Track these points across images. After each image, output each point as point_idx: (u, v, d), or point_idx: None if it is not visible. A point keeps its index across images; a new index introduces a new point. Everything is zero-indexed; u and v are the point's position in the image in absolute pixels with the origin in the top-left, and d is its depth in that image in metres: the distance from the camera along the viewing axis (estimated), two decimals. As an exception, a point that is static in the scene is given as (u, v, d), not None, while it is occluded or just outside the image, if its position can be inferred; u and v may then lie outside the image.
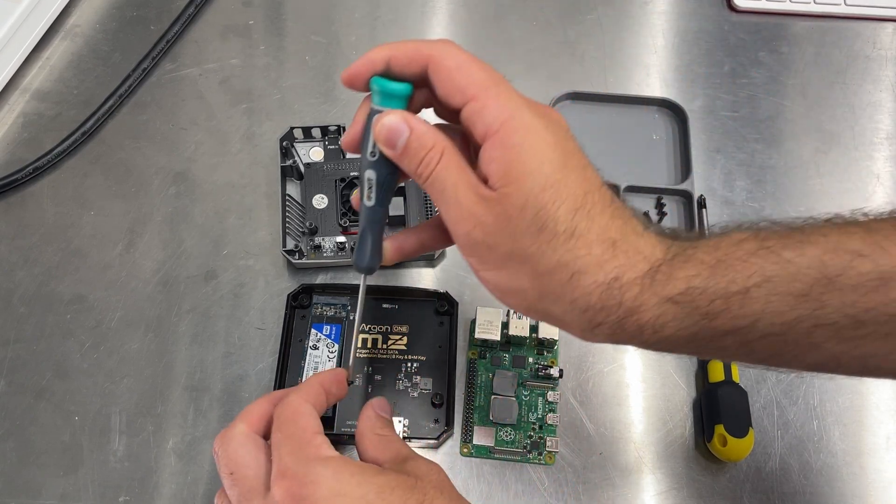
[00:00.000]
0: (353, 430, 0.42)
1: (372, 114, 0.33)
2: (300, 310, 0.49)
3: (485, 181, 0.30)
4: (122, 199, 0.54)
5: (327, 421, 0.45)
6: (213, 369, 0.48)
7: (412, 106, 0.33)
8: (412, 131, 0.31)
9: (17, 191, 0.54)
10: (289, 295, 0.49)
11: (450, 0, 0.63)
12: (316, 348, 0.46)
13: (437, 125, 0.33)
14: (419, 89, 0.33)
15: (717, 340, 0.30)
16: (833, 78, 0.59)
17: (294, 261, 0.50)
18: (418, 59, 0.31)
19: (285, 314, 0.48)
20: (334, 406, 0.45)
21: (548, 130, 0.30)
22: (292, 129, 0.53)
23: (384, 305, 0.49)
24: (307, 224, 0.51)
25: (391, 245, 0.36)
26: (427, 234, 0.36)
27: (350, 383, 0.39)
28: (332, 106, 0.58)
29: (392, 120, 0.31)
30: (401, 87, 0.32)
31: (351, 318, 0.48)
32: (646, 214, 0.53)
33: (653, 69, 0.60)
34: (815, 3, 0.62)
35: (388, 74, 0.32)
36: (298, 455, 0.32)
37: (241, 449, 0.34)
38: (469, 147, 0.32)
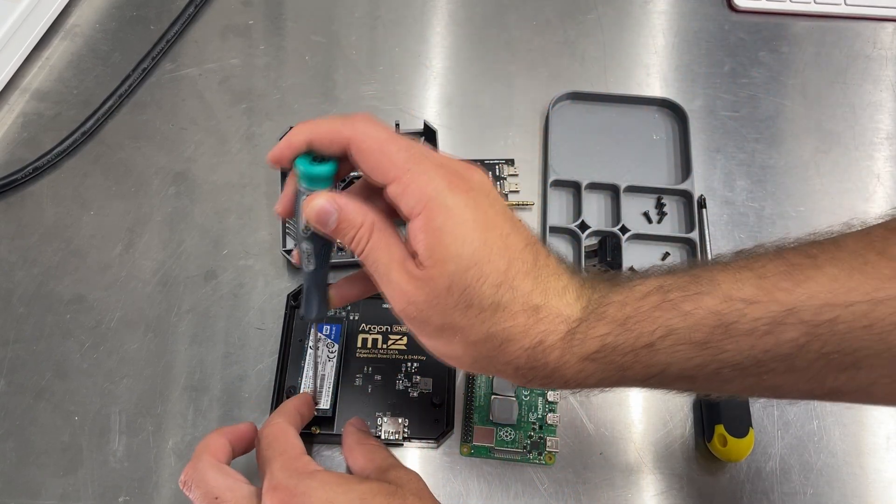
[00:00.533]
0: (352, 429, 0.44)
1: (299, 195, 0.34)
2: (300, 310, 0.48)
3: (415, 254, 0.32)
4: (121, 199, 0.54)
5: (327, 421, 0.45)
6: (213, 369, 0.48)
7: (341, 171, 0.35)
8: (340, 212, 0.33)
9: (17, 191, 0.54)
10: (289, 295, 0.49)
11: (450, 0, 0.63)
12: (316, 348, 0.46)
13: (368, 187, 0.34)
14: (345, 160, 0.34)
15: (639, 383, 0.33)
16: (833, 78, 0.59)
17: (294, 261, 0.50)
18: (338, 140, 0.33)
19: (285, 314, 0.48)
20: (334, 409, 0.45)
21: (468, 207, 0.31)
22: (292, 128, 0.53)
23: (384, 306, 0.49)
24: (307, 224, 0.51)
25: (335, 294, 0.39)
26: (368, 282, 0.37)
27: (316, 405, 0.44)
28: (332, 106, 0.58)
29: (319, 203, 0.33)
30: (323, 170, 0.33)
31: (352, 318, 0.49)
32: (645, 215, 0.53)
33: (653, 69, 0.60)
34: (815, 2, 0.62)
35: (312, 152, 0.33)
36: (289, 470, 0.35)
37: (218, 475, 0.36)
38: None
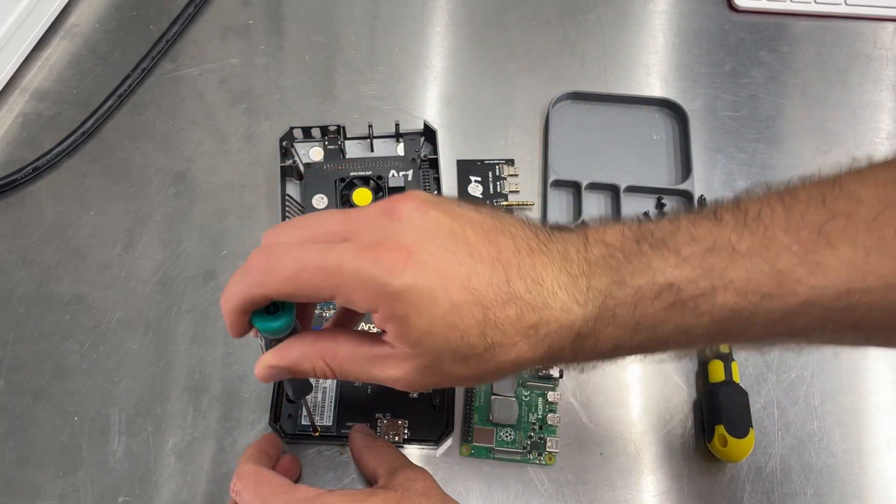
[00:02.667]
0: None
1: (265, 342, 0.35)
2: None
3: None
4: (121, 199, 0.54)
5: (327, 428, 0.45)
6: (213, 369, 0.48)
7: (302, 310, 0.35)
8: (289, 367, 0.33)
9: (16, 191, 0.54)
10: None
11: (450, 0, 0.63)
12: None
13: None
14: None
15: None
16: (834, 78, 0.59)
17: None
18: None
19: (285, 314, 0.48)
20: (336, 413, 0.45)
21: (414, 278, 0.28)
22: (292, 128, 0.53)
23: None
24: (307, 224, 0.51)
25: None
26: None
27: (316, 431, 0.45)
28: (331, 106, 0.58)
29: (265, 374, 0.33)
30: (278, 325, 0.33)
31: None
32: (646, 214, 0.53)
33: (653, 69, 0.60)
34: (815, 2, 0.62)
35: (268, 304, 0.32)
36: (308, 492, 0.36)
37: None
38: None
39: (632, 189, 0.53)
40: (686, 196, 0.53)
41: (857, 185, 0.29)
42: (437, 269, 0.29)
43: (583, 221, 0.33)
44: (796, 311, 0.29)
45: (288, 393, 0.42)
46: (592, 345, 0.31)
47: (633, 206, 0.53)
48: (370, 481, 0.42)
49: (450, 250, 0.29)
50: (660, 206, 0.53)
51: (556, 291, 0.30)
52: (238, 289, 0.31)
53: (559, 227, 0.32)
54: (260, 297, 0.31)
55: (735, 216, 0.30)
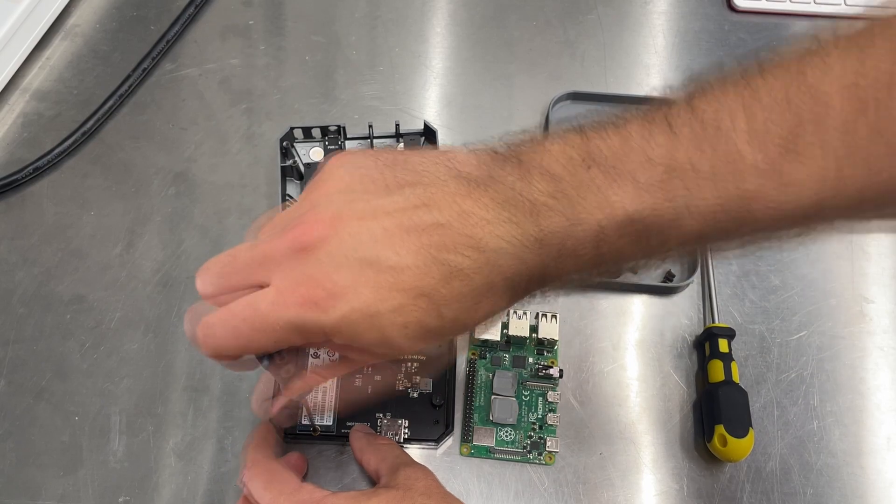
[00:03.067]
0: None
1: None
2: None
3: None
4: (121, 200, 0.54)
5: (327, 428, 0.45)
6: (213, 369, 0.48)
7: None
8: (297, 396, 0.36)
9: (17, 191, 0.54)
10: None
11: (450, 0, 0.63)
12: (317, 357, 0.46)
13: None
14: None
15: None
16: (833, 78, 0.59)
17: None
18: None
19: (285, 314, 0.48)
20: (336, 413, 0.45)
21: (342, 308, 0.28)
22: (292, 129, 0.53)
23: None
24: (307, 224, 0.51)
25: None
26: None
27: (315, 432, 0.45)
28: (331, 106, 0.58)
29: (254, 407, 0.38)
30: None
31: None
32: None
33: (653, 69, 0.60)
34: (815, 2, 0.62)
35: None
36: (314, 494, 0.37)
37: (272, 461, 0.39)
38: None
39: (632, 189, 0.53)
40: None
41: (823, 82, 0.27)
42: (363, 288, 0.28)
43: (513, 141, 0.30)
44: (766, 227, 0.28)
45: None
46: (556, 279, 0.30)
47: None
48: (373, 480, 0.42)
49: (370, 261, 0.28)
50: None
51: (502, 246, 0.28)
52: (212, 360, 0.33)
53: (493, 157, 0.30)
54: (229, 360, 0.32)
55: (692, 126, 0.27)
